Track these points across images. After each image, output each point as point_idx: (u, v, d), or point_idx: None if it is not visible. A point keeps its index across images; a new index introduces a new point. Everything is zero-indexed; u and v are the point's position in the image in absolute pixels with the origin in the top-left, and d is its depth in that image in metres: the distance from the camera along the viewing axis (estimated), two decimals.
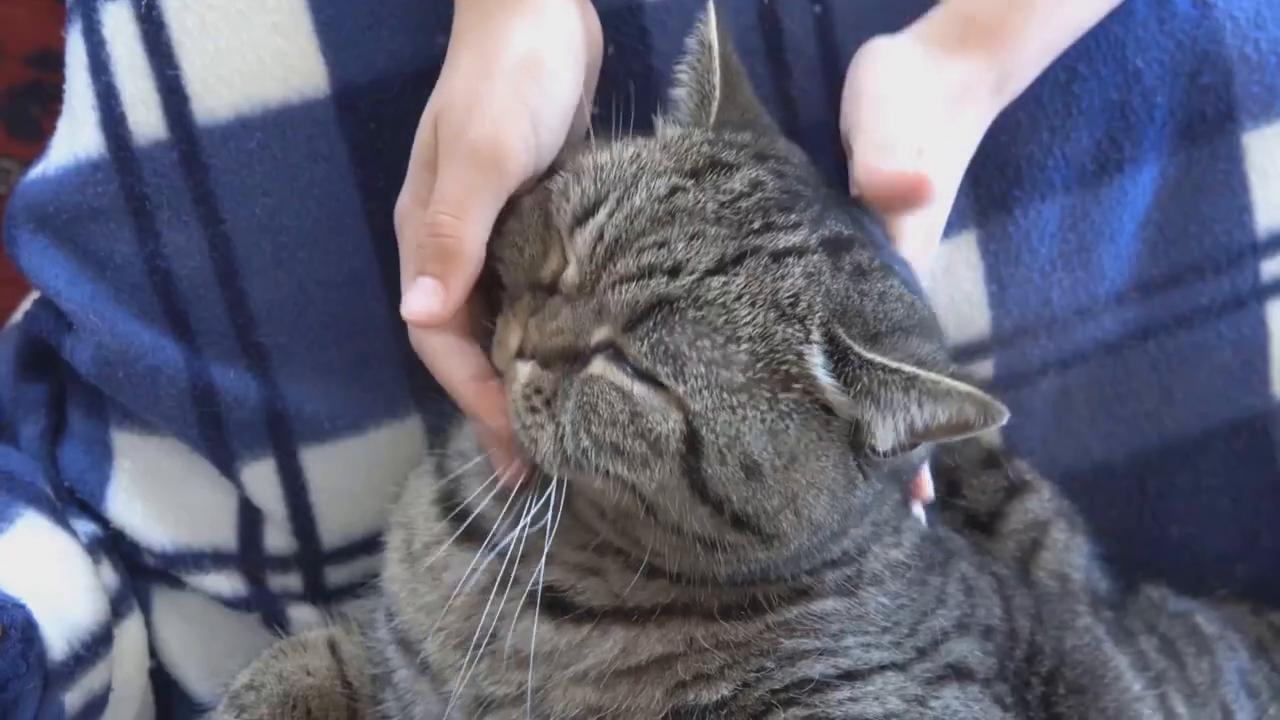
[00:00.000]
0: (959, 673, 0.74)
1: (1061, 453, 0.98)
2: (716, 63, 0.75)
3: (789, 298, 0.66)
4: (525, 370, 0.68)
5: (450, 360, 0.73)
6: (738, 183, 0.69)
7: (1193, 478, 1.00)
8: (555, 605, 0.74)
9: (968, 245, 0.93)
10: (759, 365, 0.65)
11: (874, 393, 0.65)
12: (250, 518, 0.92)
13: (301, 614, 0.94)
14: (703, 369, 0.65)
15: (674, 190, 0.68)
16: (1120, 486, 0.99)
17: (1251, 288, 0.97)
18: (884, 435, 0.66)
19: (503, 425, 0.70)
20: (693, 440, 0.65)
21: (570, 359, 0.67)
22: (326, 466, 0.90)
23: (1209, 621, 0.93)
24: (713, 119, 0.74)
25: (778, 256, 0.67)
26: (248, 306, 0.87)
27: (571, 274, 0.69)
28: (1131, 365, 0.97)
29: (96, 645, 0.84)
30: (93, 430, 0.92)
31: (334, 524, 0.92)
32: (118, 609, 0.89)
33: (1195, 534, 1.01)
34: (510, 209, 0.73)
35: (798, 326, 0.66)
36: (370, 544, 0.88)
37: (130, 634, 0.90)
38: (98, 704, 0.85)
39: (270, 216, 0.86)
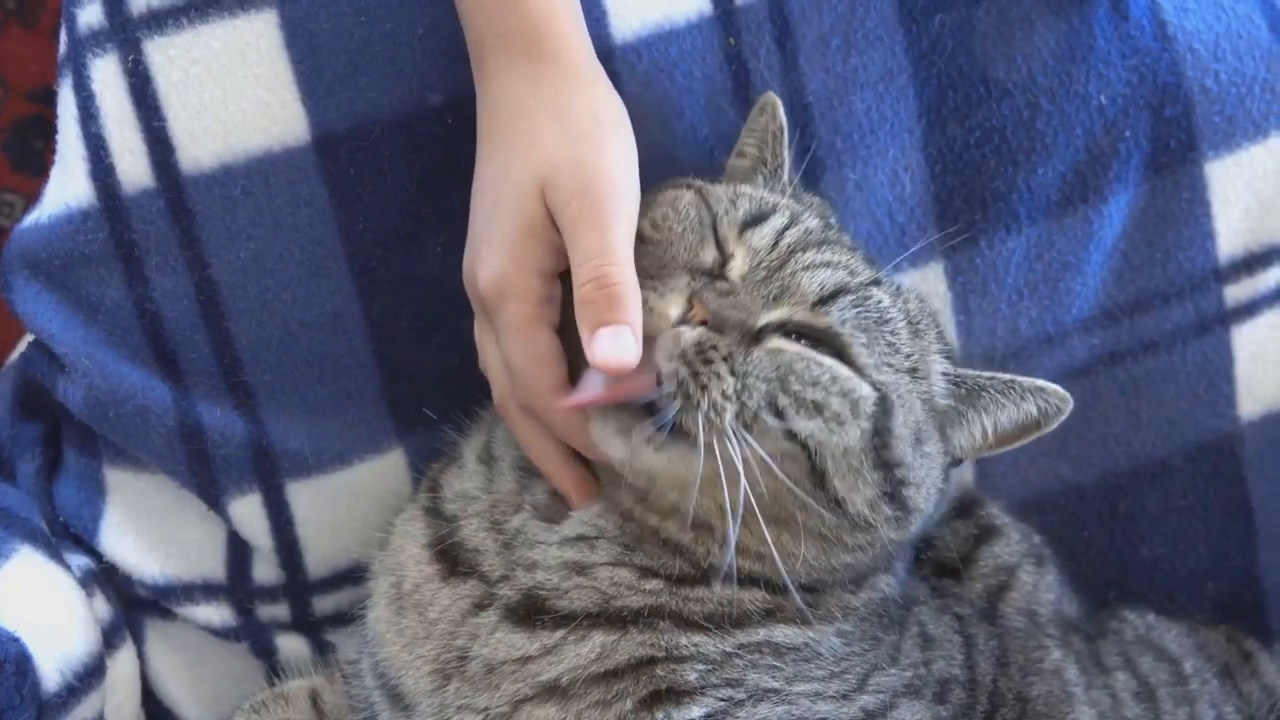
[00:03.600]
0: None
1: (1032, 476, 1.00)
2: (785, 143, 0.86)
3: (915, 319, 0.79)
4: (693, 333, 0.71)
5: (553, 368, 0.75)
6: (846, 237, 0.84)
7: (1162, 499, 1.01)
8: (531, 610, 0.75)
9: (935, 276, 0.95)
10: (909, 361, 0.77)
11: (977, 396, 0.79)
12: (238, 550, 0.93)
13: (290, 643, 0.95)
14: (883, 346, 0.76)
15: (826, 226, 0.82)
16: (1091, 508, 1.00)
17: (1216, 312, 0.99)
18: (971, 434, 0.79)
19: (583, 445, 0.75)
20: (884, 404, 0.74)
21: (740, 331, 0.72)
22: (311, 500, 0.91)
23: (1184, 651, 0.94)
24: (789, 188, 0.85)
25: (897, 286, 0.81)
26: (234, 347, 0.88)
27: (740, 264, 0.77)
28: (1100, 390, 0.99)
29: (89, 676, 0.86)
30: (86, 467, 0.94)
31: (319, 555, 0.93)
32: (110, 640, 0.91)
33: (1166, 554, 1.02)
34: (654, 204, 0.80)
35: (922, 341, 0.79)
36: (355, 574, 0.90)
37: (123, 664, 0.92)
38: None
39: (254, 260, 0.87)
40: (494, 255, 0.76)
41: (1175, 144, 0.96)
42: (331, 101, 0.87)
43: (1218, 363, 0.99)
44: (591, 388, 0.71)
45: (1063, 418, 0.79)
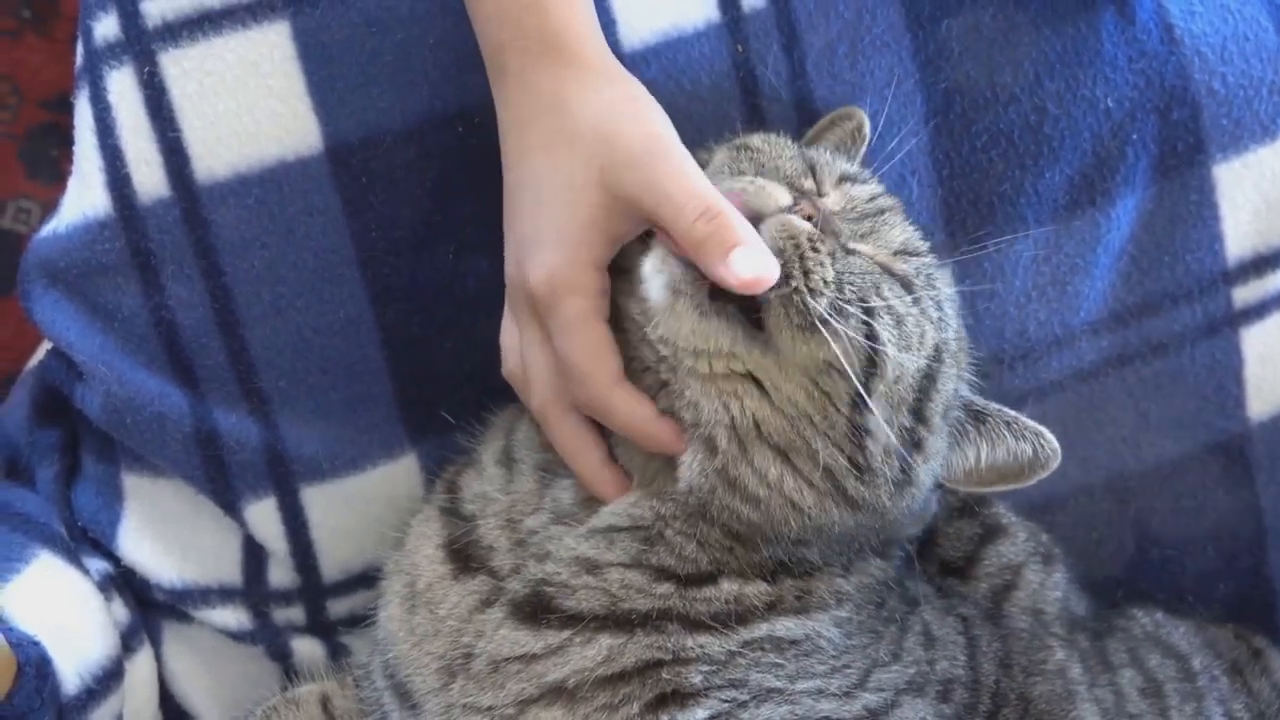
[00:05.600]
0: None
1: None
2: (864, 151, 0.89)
3: (960, 328, 0.82)
4: (799, 221, 0.73)
5: (612, 360, 0.76)
6: None
7: (1171, 499, 1.01)
8: (538, 608, 0.76)
9: (943, 279, 0.95)
10: (956, 347, 0.80)
11: (981, 421, 0.80)
12: (254, 554, 0.94)
13: (305, 645, 0.96)
14: (942, 314, 0.79)
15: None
16: (1100, 509, 1.01)
17: (1224, 314, 0.99)
18: (965, 456, 0.80)
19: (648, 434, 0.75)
20: (939, 354, 0.77)
21: (838, 240, 0.75)
22: (326, 504, 0.92)
23: (1192, 648, 0.94)
24: None
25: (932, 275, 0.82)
26: (248, 354, 0.89)
27: (834, 202, 0.81)
28: (1108, 392, 0.99)
29: (108, 679, 0.86)
30: (104, 473, 0.95)
31: (334, 559, 0.94)
32: (128, 643, 0.91)
33: (1175, 555, 1.02)
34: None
35: (961, 344, 0.81)
36: (368, 577, 0.91)
37: (141, 667, 0.93)
38: None
39: (268, 268, 0.88)
40: (546, 253, 0.76)
41: (1183, 147, 0.97)
42: (344, 111, 0.87)
43: (1226, 364, 1.00)
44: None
45: (1046, 473, 0.80)
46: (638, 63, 0.89)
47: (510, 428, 0.86)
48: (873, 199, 0.82)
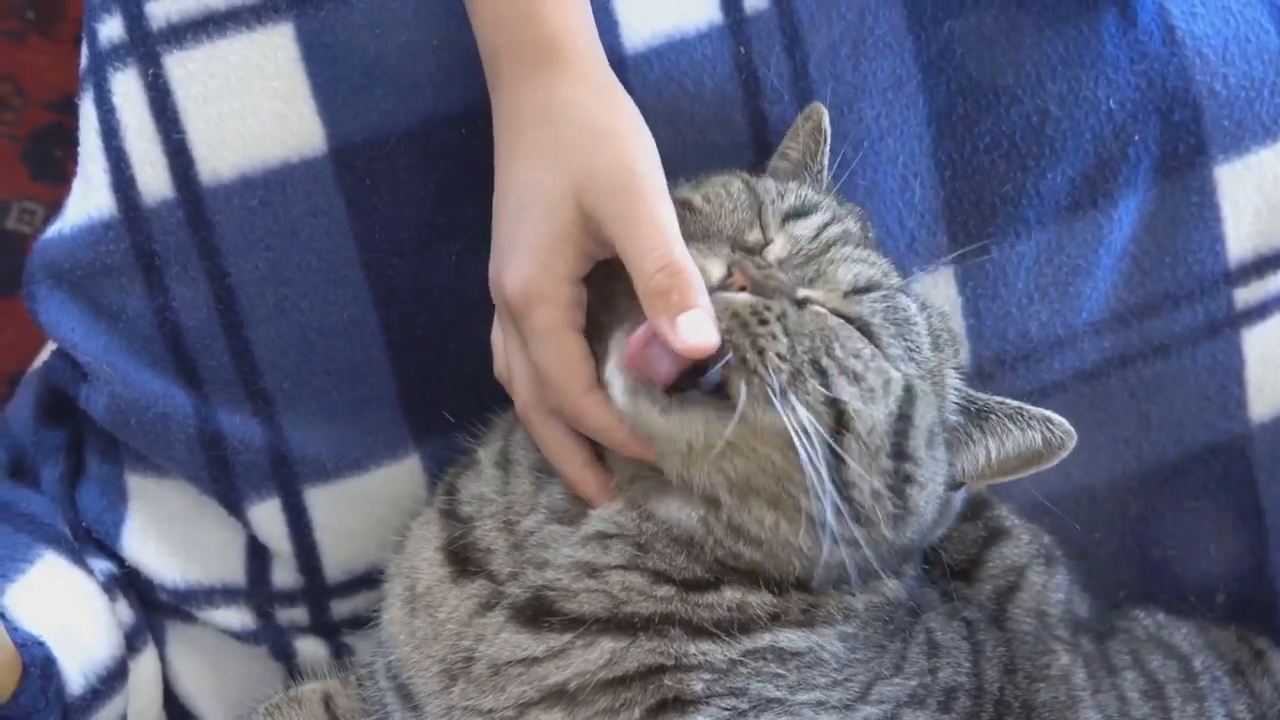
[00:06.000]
0: None
1: (1043, 478, 0.97)
2: (828, 149, 0.88)
3: (936, 332, 0.81)
4: (743, 295, 0.72)
5: (583, 369, 0.76)
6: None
7: (1173, 501, 1.01)
8: (539, 611, 0.76)
9: (945, 281, 0.96)
10: (927, 368, 0.78)
11: (984, 419, 0.79)
12: (257, 555, 0.94)
13: (308, 646, 0.96)
14: (907, 344, 0.77)
15: (864, 231, 0.85)
16: (1102, 510, 1.01)
17: (1226, 315, 0.99)
18: (975, 456, 0.80)
19: (621, 440, 0.75)
20: (909, 392, 0.75)
21: (785, 297, 0.74)
22: (329, 505, 0.92)
23: (1194, 649, 0.94)
24: (830, 193, 0.87)
25: (923, 301, 0.83)
26: (252, 355, 0.89)
27: (781, 248, 0.79)
28: (1110, 393, 0.99)
29: (112, 679, 0.87)
30: (108, 473, 0.95)
31: (337, 559, 0.94)
32: (133, 644, 0.92)
33: (1177, 556, 1.02)
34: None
35: (942, 355, 0.80)
36: (372, 578, 0.91)
37: (145, 668, 0.93)
38: None
39: (272, 269, 0.88)
40: (522, 261, 0.76)
41: (1184, 148, 0.97)
42: (347, 113, 0.88)
43: (1228, 365, 1.00)
44: (651, 366, 0.71)
45: (1065, 453, 0.79)
46: (640, 65, 0.89)
47: (510, 429, 0.86)
48: (819, 234, 0.80)
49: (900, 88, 0.93)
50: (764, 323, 0.71)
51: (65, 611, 0.86)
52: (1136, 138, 0.96)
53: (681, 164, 0.89)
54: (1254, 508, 1.02)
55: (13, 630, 0.79)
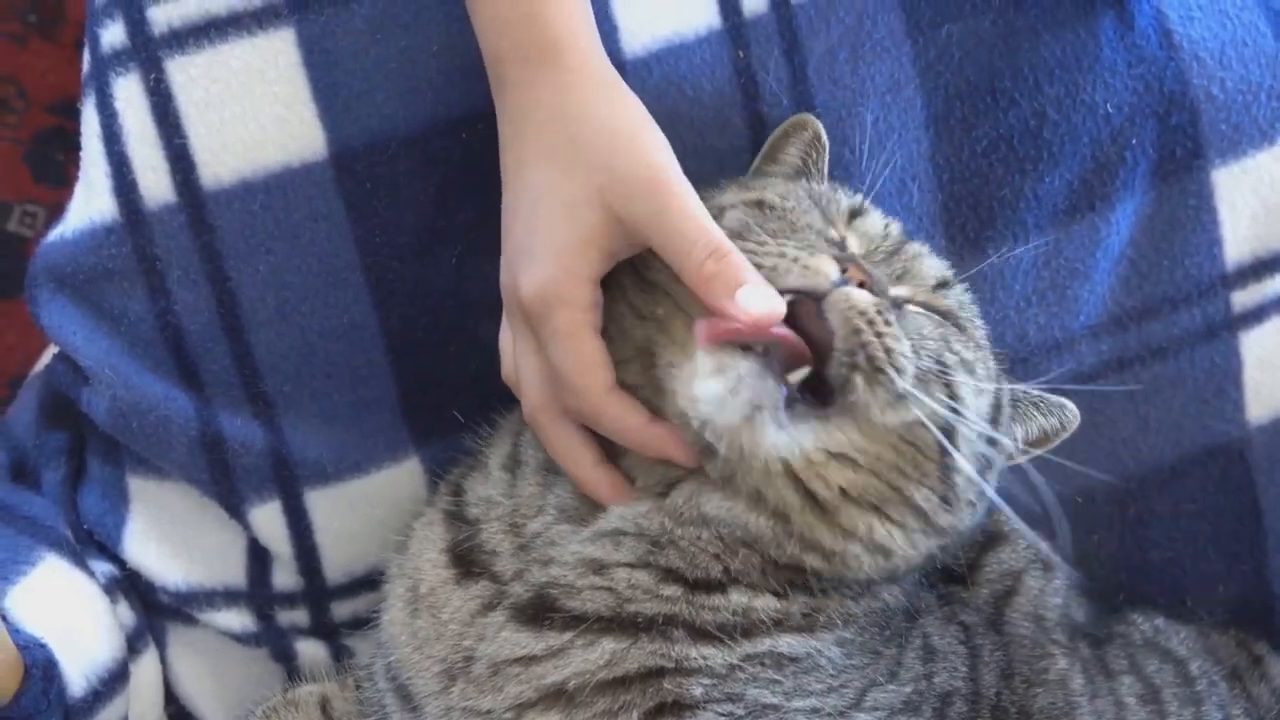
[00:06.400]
0: None
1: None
2: (827, 158, 0.89)
3: (981, 327, 0.83)
4: (862, 295, 0.72)
5: (604, 370, 0.76)
6: None
7: (1171, 503, 1.01)
8: (540, 609, 0.76)
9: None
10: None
11: (1015, 406, 0.83)
12: (258, 557, 0.94)
13: (309, 648, 0.96)
14: (984, 334, 0.81)
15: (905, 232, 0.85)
16: (1101, 513, 1.01)
17: (1223, 318, 0.99)
18: (1018, 434, 0.83)
19: (641, 440, 0.75)
20: (998, 377, 0.79)
21: (889, 299, 0.75)
22: (330, 507, 0.93)
23: (1191, 653, 0.94)
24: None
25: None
26: (253, 358, 0.90)
27: (854, 245, 0.80)
28: (1107, 395, 0.99)
29: (114, 681, 0.87)
30: (110, 476, 0.95)
31: (338, 562, 0.94)
32: (134, 646, 0.92)
33: (1175, 558, 1.02)
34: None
35: (983, 351, 0.81)
36: (372, 580, 0.91)
37: (146, 670, 0.93)
38: None
39: (274, 273, 0.89)
40: (540, 264, 0.76)
41: (1182, 151, 0.97)
42: (348, 118, 0.88)
43: (1226, 368, 1.00)
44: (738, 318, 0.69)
45: (1068, 433, 0.85)
46: (639, 69, 0.89)
47: (518, 431, 0.86)
48: (886, 232, 0.82)
49: (898, 91, 0.94)
50: (888, 323, 0.72)
51: (67, 613, 0.87)
52: (1134, 141, 0.96)
53: (681, 169, 0.90)
54: (1252, 510, 1.02)
55: (14, 632, 0.79)
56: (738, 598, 0.75)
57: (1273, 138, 0.98)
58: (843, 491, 0.73)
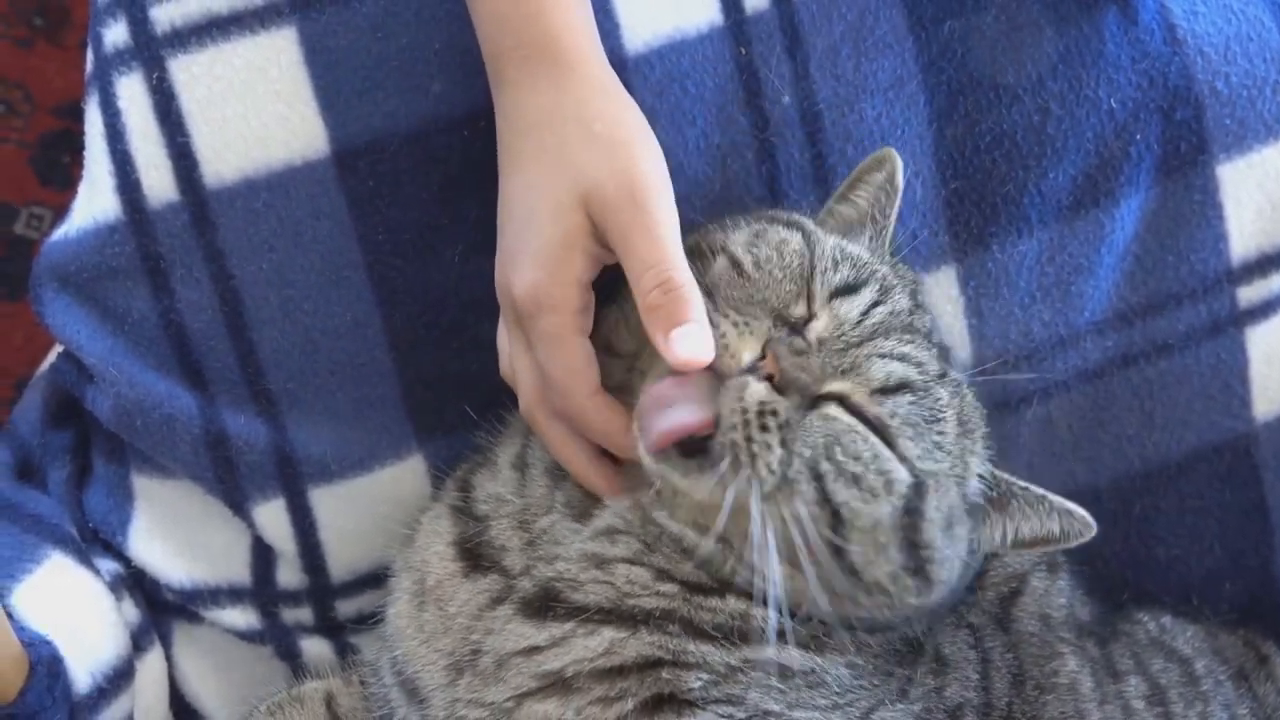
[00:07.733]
0: None
1: (1046, 478, 0.98)
2: (898, 204, 0.86)
3: (964, 417, 0.79)
4: (760, 389, 0.72)
5: (588, 374, 0.77)
6: (927, 320, 0.84)
7: (1177, 500, 1.01)
8: (546, 602, 0.77)
9: (947, 280, 0.96)
10: (950, 458, 0.77)
11: (1006, 502, 0.80)
12: (262, 555, 0.95)
13: (313, 645, 0.97)
14: (928, 442, 0.76)
15: (914, 308, 0.82)
16: (1106, 510, 1.00)
17: (1229, 314, 0.99)
18: (992, 535, 0.80)
19: (622, 445, 0.76)
20: (919, 489, 0.75)
21: (802, 395, 0.73)
22: (334, 505, 0.93)
23: (1197, 652, 0.94)
24: (889, 253, 0.86)
25: (959, 384, 0.81)
26: (257, 356, 0.90)
27: (823, 327, 0.77)
28: (1113, 392, 0.99)
29: (119, 678, 0.87)
30: (114, 474, 0.96)
31: (342, 559, 0.94)
32: (139, 643, 0.92)
33: (1181, 555, 1.02)
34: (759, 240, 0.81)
35: (968, 441, 0.79)
36: (376, 577, 0.92)
37: (151, 667, 0.93)
38: None
39: (276, 271, 0.89)
40: (530, 267, 0.77)
41: (1186, 147, 0.97)
42: (350, 116, 0.88)
43: (1231, 364, 0.99)
44: (650, 429, 0.72)
45: (1080, 541, 0.81)
46: (641, 66, 0.90)
47: (527, 430, 0.86)
48: (864, 317, 0.79)
49: (901, 87, 0.94)
50: (764, 429, 0.71)
51: (72, 611, 0.87)
52: (1138, 136, 0.96)
53: (683, 165, 0.90)
54: (1259, 506, 1.02)
55: (20, 629, 0.79)
56: (735, 603, 0.76)
57: (1277, 132, 0.98)
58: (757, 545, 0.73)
